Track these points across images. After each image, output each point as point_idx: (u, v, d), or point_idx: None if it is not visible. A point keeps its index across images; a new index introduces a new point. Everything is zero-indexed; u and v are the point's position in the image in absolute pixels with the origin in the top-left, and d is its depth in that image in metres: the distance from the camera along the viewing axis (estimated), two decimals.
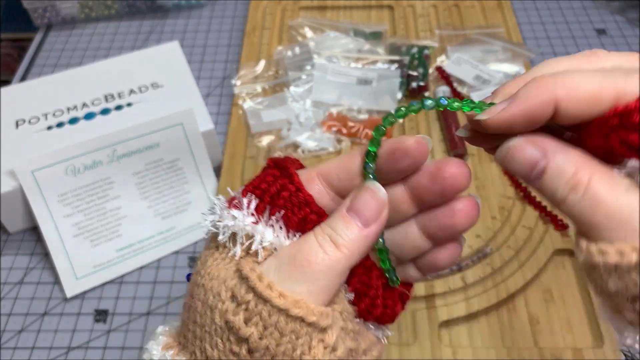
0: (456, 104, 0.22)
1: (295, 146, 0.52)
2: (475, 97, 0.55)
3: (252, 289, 0.20)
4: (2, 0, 1.03)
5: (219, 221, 0.22)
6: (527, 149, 0.20)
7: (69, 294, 0.45)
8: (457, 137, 0.51)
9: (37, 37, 0.68)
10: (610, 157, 0.19)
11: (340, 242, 0.21)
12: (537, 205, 0.47)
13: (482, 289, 0.42)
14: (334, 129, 0.53)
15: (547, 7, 0.68)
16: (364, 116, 0.54)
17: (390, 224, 0.23)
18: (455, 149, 0.51)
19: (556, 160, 0.20)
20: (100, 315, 0.44)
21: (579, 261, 0.21)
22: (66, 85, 0.53)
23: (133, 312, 0.44)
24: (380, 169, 0.22)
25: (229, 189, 0.24)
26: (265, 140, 0.53)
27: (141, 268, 0.46)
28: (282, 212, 0.22)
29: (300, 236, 0.22)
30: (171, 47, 0.56)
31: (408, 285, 0.25)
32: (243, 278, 0.21)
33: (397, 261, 0.25)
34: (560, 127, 0.21)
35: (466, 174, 0.22)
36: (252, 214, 0.22)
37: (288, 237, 0.22)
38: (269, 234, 0.22)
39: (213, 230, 0.23)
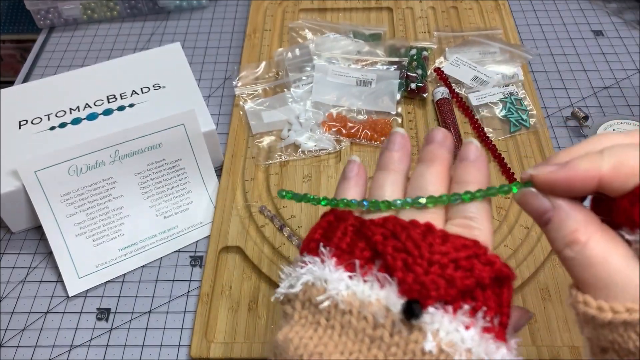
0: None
1: (296, 147, 0.53)
2: (474, 98, 0.56)
3: None
4: (5, 1, 1.03)
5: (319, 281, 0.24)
6: (540, 197, 0.23)
7: (71, 293, 0.45)
8: (456, 136, 0.52)
9: (40, 38, 0.68)
10: (630, 224, 0.22)
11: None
12: None
13: None
14: (334, 129, 0.54)
15: (544, 9, 0.68)
16: (363, 117, 0.55)
17: None
18: (455, 149, 0.51)
19: (561, 215, 0.23)
20: (103, 313, 0.44)
21: (566, 303, 0.23)
22: (69, 86, 0.53)
23: (135, 311, 0.44)
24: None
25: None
26: (266, 141, 0.53)
27: (143, 267, 0.47)
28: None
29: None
30: (173, 49, 0.57)
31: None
32: None
33: None
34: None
35: None
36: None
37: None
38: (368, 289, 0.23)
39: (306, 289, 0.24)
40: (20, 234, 0.50)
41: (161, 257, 0.47)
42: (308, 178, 0.51)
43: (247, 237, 0.47)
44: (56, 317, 0.44)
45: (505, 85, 0.57)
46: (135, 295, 0.45)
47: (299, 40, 0.62)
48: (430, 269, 0.23)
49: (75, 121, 0.50)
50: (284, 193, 0.29)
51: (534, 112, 0.54)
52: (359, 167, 0.29)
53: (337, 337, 0.23)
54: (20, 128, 0.50)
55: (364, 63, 0.59)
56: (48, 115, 0.51)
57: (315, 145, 0.52)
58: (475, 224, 0.25)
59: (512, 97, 0.55)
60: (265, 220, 0.48)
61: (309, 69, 0.58)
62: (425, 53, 0.59)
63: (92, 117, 0.51)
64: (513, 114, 0.54)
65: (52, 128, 0.50)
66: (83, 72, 0.55)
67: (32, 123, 0.50)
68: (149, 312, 0.44)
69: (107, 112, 0.51)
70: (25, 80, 0.63)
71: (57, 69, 0.64)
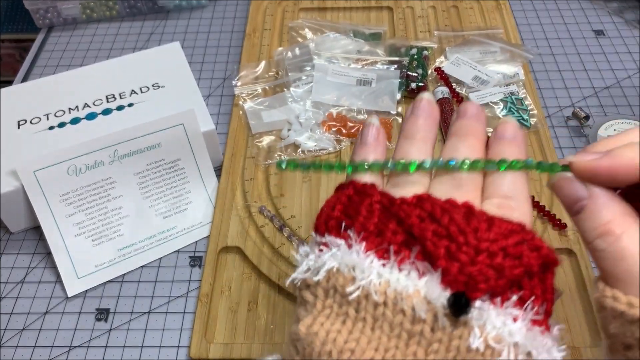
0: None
1: (296, 146, 0.53)
2: (474, 97, 0.56)
3: None
4: (3, 0, 1.03)
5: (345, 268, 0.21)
6: (576, 184, 0.22)
7: (70, 293, 0.45)
8: None
9: (39, 38, 0.68)
10: None
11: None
12: (535, 205, 0.47)
13: None
14: (334, 129, 0.53)
15: (545, 9, 0.68)
16: (363, 117, 0.55)
17: None
18: None
19: (596, 203, 0.22)
20: (102, 314, 0.44)
21: (592, 297, 0.23)
22: (68, 85, 0.53)
23: (134, 311, 0.44)
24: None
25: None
26: (266, 141, 0.53)
27: (142, 267, 0.47)
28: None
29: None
30: (172, 48, 0.57)
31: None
32: None
33: None
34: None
35: None
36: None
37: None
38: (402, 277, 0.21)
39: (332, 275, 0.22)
40: (19, 234, 0.50)
41: (160, 258, 0.47)
42: (308, 178, 0.51)
43: (247, 238, 0.46)
44: (55, 317, 0.44)
45: (506, 85, 0.57)
46: (134, 296, 0.45)
47: (299, 39, 0.62)
48: (477, 257, 0.20)
49: (74, 121, 0.50)
50: (285, 164, 0.25)
51: (535, 111, 0.54)
52: (378, 131, 0.26)
53: (369, 331, 0.21)
54: (19, 128, 0.50)
55: (364, 62, 0.59)
56: (47, 115, 0.51)
57: (315, 145, 0.52)
58: (514, 204, 0.23)
59: (513, 97, 0.55)
60: (265, 220, 0.47)
61: (308, 68, 0.58)
62: (425, 52, 0.59)
63: (91, 116, 0.50)
64: (514, 113, 0.54)
65: (51, 128, 0.50)
66: (82, 71, 0.55)
67: (31, 123, 0.50)
68: (149, 312, 0.44)
69: (106, 111, 0.51)
70: (24, 79, 0.63)
71: (56, 69, 0.64)
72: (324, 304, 0.22)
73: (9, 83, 0.59)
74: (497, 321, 0.20)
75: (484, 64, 0.58)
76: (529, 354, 0.20)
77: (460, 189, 0.23)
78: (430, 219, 0.21)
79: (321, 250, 0.23)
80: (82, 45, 0.67)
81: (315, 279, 0.22)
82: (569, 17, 0.67)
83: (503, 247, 0.21)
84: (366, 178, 0.24)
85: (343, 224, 0.23)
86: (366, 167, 0.24)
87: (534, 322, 0.21)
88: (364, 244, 0.22)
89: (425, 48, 0.60)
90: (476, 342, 0.20)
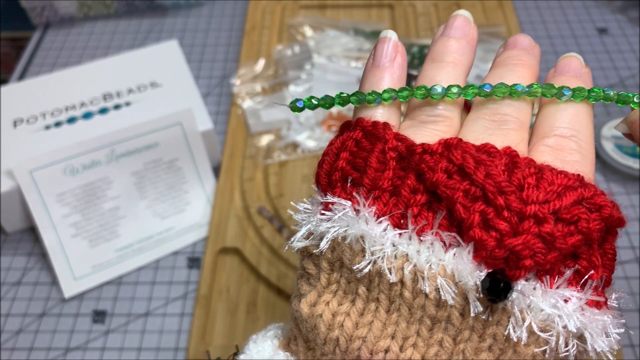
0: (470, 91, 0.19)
1: (295, 146, 0.52)
2: None
3: None
4: None
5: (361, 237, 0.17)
6: None
7: (67, 295, 0.45)
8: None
9: (35, 36, 0.67)
10: None
11: None
12: None
13: None
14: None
15: (548, 6, 0.67)
16: None
17: None
18: None
19: None
20: (99, 316, 0.44)
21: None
22: (64, 84, 0.53)
23: (132, 313, 0.44)
24: None
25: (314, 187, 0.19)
26: (265, 140, 0.53)
27: (140, 269, 0.46)
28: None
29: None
30: (170, 46, 0.56)
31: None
32: None
33: None
34: None
35: None
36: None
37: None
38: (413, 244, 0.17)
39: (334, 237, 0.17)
40: (16, 235, 0.49)
41: (158, 259, 0.47)
42: (308, 178, 0.50)
43: (246, 238, 0.46)
44: (52, 319, 0.44)
45: None
46: (132, 298, 0.44)
47: (299, 37, 0.61)
48: (521, 225, 0.16)
49: (71, 120, 0.50)
50: (301, 103, 0.20)
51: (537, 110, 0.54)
52: (396, 48, 0.20)
53: (384, 314, 0.17)
54: (15, 127, 0.49)
55: (364, 61, 0.58)
56: (43, 114, 0.50)
57: (315, 145, 0.52)
58: (575, 144, 0.18)
59: None
60: (264, 221, 0.47)
61: (308, 66, 0.57)
62: (427, 51, 0.58)
63: (87, 115, 0.50)
64: None
65: (48, 127, 0.49)
66: (79, 70, 0.54)
67: (27, 122, 0.49)
68: (146, 314, 0.43)
69: (103, 110, 0.50)
70: (21, 78, 0.62)
71: (53, 67, 0.63)
72: (329, 279, 0.18)
73: (5, 82, 0.58)
74: (545, 304, 0.16)
75: (487, 62, 0.58)
76: (581, 337, 0.17)
77: (501, 129, 0.18)
78: (460, 173, 0.17)
79: (323, 213, 0.18)
80: (79, 43, 0.66)
81: (317, 250, 0.18)
82: (571, 14, 0.66)
83: (555, 210, 0.16)
84: (378, 114, 0.19)
85: (350, 179, 0.18)
86: (371, 97, 0.19)
87: (592, 303, 0.17)
88: (374, 207, 0.17)
89: (427, 46, 0.59)
90: (517, 332, 0.16)
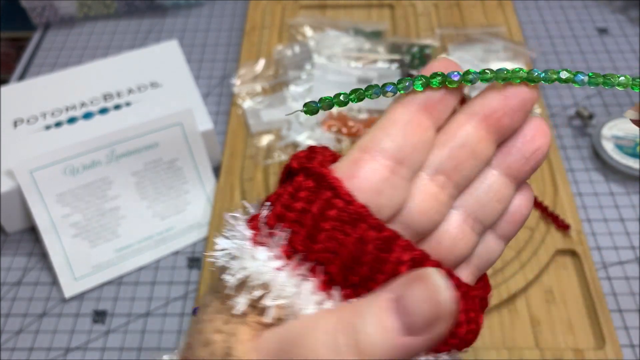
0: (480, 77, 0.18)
1: (295, 146, 0.52)
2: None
3: None
4: None
5: (233, 256, 0.17)
6: None
7: (67, 295, 0.45)
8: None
9: (36, 36, 0.67)
10: None
11: (362, 345, 0.15)
12: (538, 206, 0.46)
13: None
14: (334, 128, 0.53)
15: (548, 6, 0.67)
16: (364, 116, 0.54)
17: (470, 177, 0.19)
18: None
19: None
20: (99, 316, 0.44)
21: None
22: (64, 84, 0.53)
23: (132, 313, 0.44)
24: None
25: (245, 204, 0.19)
26: (265, 140, 0.53)
27: (140, 269, 0.46)
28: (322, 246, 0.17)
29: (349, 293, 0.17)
30: (170, 46, 0.56)
31: (486, 284, 0.20)
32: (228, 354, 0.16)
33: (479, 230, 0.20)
34: None
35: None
36: (282, 255, 0.17)
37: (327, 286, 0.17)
38: (289, 286, 0.17)
39: (222, 264, 0.18)
40: (16, 235, 0.49)
41: (158, 259, 0.47)
42: None
43: None
44: (52, 319, 0.44)
45: None
46: (132, 298, 0.44)
47: (299, 37, 0.61)
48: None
49: (71, 120, 0.50)
50: (314, 105, 0.19)
51: (538, 110, 0.54)
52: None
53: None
54: (15, 127, 0.49)
55: (364, 61, 0.58)
56: (44, 114, 0.50)
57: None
58: None
59: None
60: None
61: (308, 67, 0.57)
62: (427, 51, 0.58)
63: (88, 116, 0.50)
64: None
65: (48, 127, 0.49)
66: (79, 70, 0.54)
67: (27, 122, 0.49)
68: (147, 314, 0.43)
69: (104, 110, 0.50)
70: (21, 78, 0.62)
71: (53, 67, 0.63)
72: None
73: (6, 82, 0.58)
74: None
75: (487, 62, 0.58)
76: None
77: None
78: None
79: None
80: (80, 43, 0.66)
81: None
82: (572, 14, 0.66)
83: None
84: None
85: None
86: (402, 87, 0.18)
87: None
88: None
89: (427, 46, 0.59)
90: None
